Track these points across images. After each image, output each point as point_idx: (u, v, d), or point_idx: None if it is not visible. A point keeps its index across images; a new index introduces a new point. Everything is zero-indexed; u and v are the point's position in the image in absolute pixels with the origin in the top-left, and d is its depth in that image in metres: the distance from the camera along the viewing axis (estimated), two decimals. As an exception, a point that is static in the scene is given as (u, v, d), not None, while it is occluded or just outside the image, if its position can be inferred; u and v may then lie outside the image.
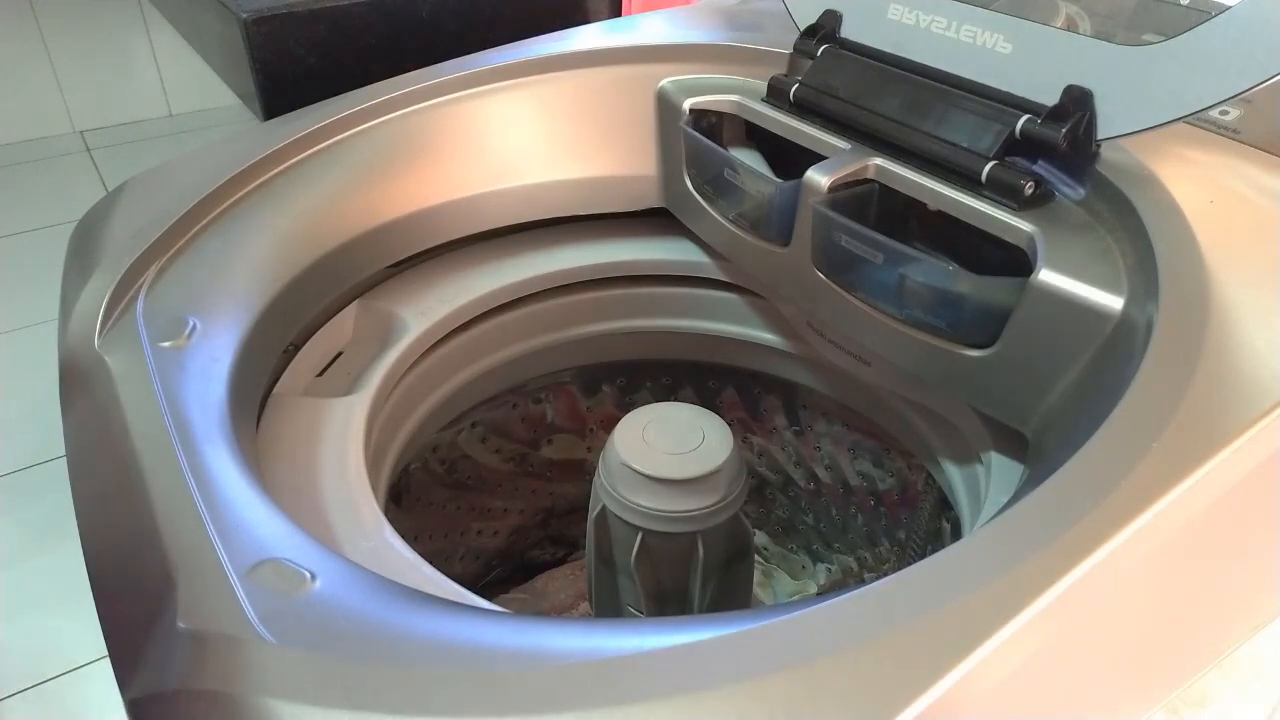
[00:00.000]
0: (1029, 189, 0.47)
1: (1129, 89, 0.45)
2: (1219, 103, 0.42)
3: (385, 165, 0.61)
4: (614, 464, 0.56)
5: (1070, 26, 0.51)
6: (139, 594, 0.36)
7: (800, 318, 0.66)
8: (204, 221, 0.54)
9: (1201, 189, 0.47)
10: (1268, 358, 0.37)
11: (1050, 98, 0.48)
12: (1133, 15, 0.50)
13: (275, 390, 0.54)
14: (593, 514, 0.59)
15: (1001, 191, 0.48)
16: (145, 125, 2.16)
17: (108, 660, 0.36)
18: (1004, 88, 0.50)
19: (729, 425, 0.57)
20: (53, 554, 1.10)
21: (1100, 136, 0.47)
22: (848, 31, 0.58)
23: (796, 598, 0.80)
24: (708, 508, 0.55)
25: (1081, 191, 0.48)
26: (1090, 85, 0.46)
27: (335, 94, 0.64)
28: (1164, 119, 0.44)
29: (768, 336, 0.70)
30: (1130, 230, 0.45)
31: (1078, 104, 0.46)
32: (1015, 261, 0.47)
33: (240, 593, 0.33)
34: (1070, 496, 0.33)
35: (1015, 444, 0.49)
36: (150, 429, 0.40)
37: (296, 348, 0.58)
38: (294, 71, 0.87)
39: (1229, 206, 0.46)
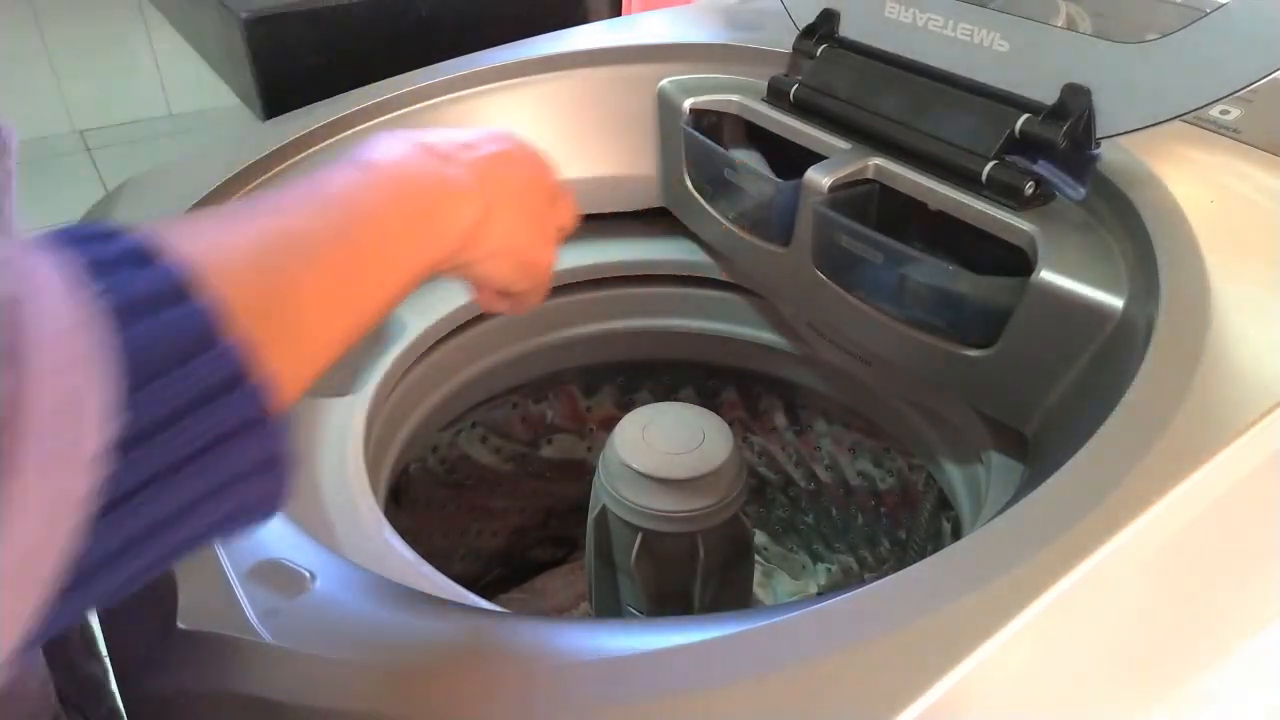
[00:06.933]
0: (1029, 189, 0.47)
1: (1127, 86, 0.45)
2: (1218, 99, 0.42)
3: (385, 165, 0.60)
4: (614, 464, 0.56)
5: (1069, 24, 0.51)
6: (139, 594, 0.36)
7: (800, 318, 0.66)
8: (203, 221, 0.54)
9: (1202, 189, 0.47)
10: (1268, 357, 0.37)
11: (1049, 95, 0.48)
12: (1131, 13, 0.50)
13: (274, 390, 0.54)
14: (593, 514, 0.59)
15: (1001, 191, 0.48)
16: (145, 125, 2.16)
17: (108, 660, 0.36)
18: (1003, 86, 0.50)
19: (729, 425, 0.57)
20: (52, 554, 1.09)
21: (1100, 134, 0.47)
22: (846, 30, 0.58)
23: (796, 598, 0.80)
24: (708, 508, 0.55)
25: (1082, 191, 0.48)
26: (1088, 83, 0.46)
27: (335, 93, 0.63)
28: (1164, 116, 0.44)
29: (768, 336, 0.70)
30: (1131, 230, 0.45)
31: (1076, 102, 0.46)
32: (1015, 261, 0.47)
33: (240, 593, 0.33)
34: (1071, 496, 0.33)
35: (1016, 444, 0.49)
36: (150, 429, 0.40)
37: (296, 347, 0.57)
38: (293, 71, 0.87)
39: (1230, 206, 0.46)
